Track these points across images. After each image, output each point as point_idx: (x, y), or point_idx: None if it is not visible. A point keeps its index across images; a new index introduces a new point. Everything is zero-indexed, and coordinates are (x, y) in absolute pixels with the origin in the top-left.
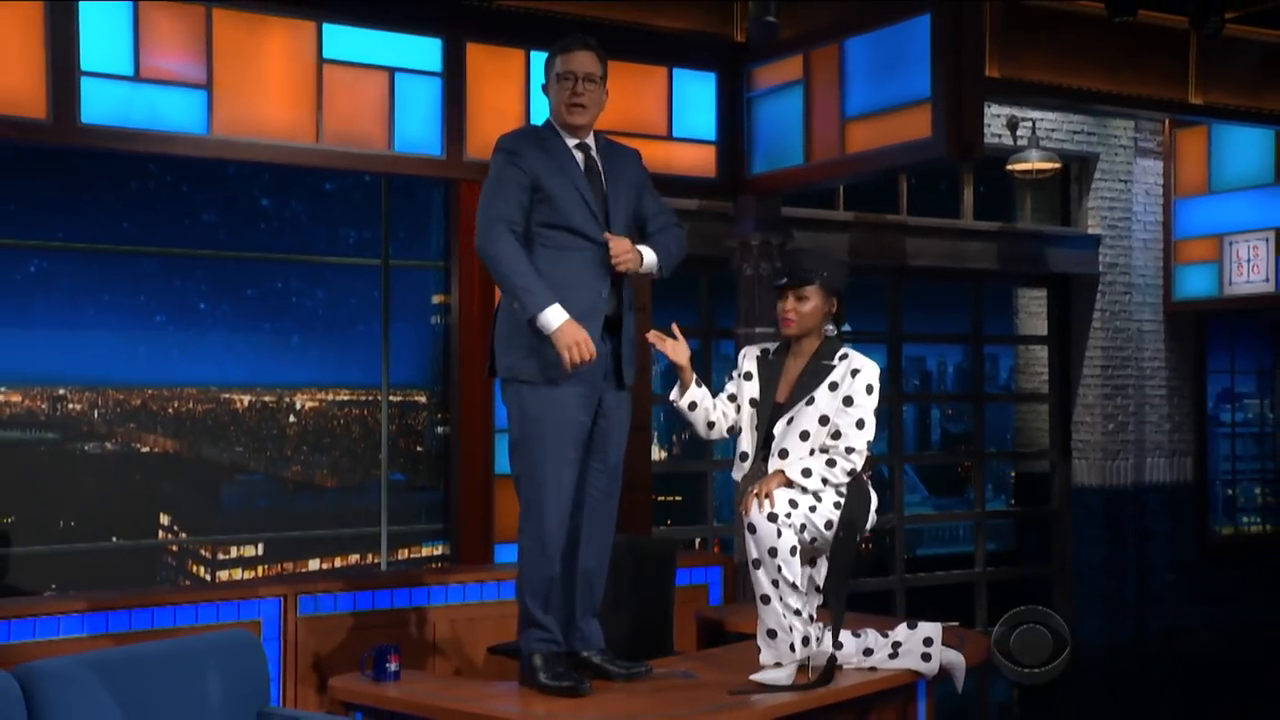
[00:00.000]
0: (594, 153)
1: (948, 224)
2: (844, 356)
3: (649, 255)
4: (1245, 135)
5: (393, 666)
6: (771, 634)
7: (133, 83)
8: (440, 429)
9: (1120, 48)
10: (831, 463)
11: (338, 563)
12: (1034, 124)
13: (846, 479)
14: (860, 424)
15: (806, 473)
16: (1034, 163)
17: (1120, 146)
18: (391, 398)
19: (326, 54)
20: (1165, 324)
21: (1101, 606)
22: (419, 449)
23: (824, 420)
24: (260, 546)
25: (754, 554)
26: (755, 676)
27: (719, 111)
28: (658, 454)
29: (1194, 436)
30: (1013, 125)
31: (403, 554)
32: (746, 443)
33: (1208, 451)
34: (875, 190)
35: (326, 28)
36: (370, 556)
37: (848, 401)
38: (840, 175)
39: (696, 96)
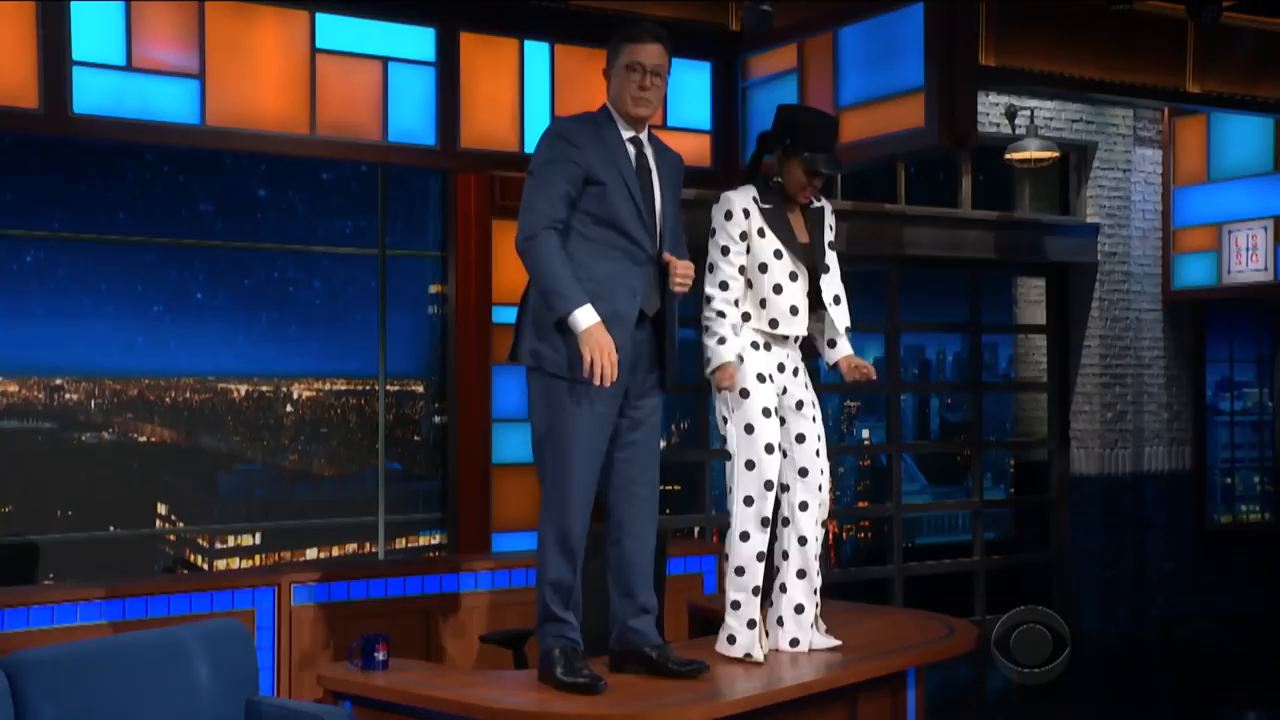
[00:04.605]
0: (645, 149)
1: (946, 213)
2: (820, 201)
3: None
4: (1244, 124)
5: (381, 656)
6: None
7: (124, 72)
8: (437, 418)
9: (1117, 36)
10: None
11: (335, 552)
12: (1032, 112)
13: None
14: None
15: None
16: (1032, 151)
17: (1119, 135)
18: (389, 387)
19: (319, 44)
20: (1164, 313)
21: (1099, 595)
22: (416, 438)
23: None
24: (257, 536)
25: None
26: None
27: (714, 101)
28: None
29: (1192, 425)
30: (1011, 114)
31: (400, 543)
32: (798, 294)
33: (1206, 440)
34: (873, 179)
35: (319, 17)
36: (367, 546)
37: (832, 245)
38: None
39: (691, 86)
